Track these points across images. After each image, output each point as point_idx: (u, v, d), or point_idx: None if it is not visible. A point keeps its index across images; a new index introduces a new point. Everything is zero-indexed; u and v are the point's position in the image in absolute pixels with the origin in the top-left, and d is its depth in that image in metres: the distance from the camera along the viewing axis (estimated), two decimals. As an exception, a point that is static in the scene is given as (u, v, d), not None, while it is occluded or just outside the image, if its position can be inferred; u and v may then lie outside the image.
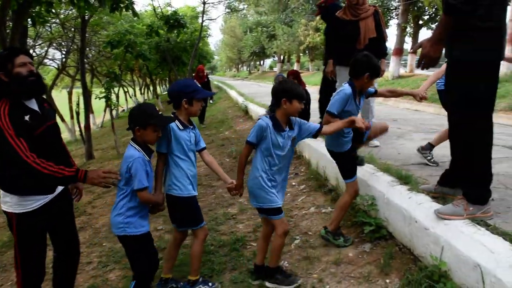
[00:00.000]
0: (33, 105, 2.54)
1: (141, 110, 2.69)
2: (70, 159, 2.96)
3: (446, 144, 2.87)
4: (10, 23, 7.74)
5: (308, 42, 29.34)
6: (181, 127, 2.85)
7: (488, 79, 2.51)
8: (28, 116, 2.44)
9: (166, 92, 36.60)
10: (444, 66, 3.37)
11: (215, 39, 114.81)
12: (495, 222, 2.56)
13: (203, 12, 16.82)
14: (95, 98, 11.85)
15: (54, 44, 18.88)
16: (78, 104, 15.22)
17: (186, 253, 3.45)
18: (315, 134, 2.95)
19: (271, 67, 57.32)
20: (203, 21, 17.14)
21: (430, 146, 4.25)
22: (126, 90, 34.51)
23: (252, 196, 2.94)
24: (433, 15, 19.67)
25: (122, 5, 6.59)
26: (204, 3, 16.25)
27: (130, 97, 35.72)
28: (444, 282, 2.42)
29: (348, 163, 3.38)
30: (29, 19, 6.84)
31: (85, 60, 14.01)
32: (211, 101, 18.80)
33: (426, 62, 2.64)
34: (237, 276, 3.15)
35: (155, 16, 17.16)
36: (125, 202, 2.63)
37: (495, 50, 2.49)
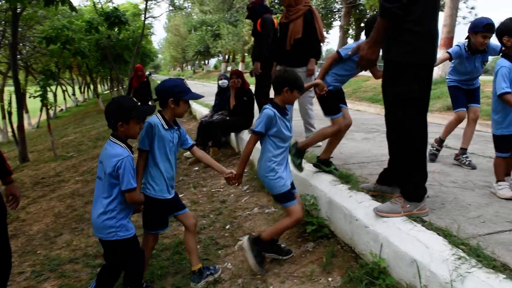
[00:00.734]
0: None
1: (119, 104, 2.58)
2: (6, 164, 2.76)
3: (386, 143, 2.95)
4: None
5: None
6: (166, 126, 2.80)
7: (422, 81, 2.61)
8: None
9: (107, 91, 35.47)
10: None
11: (158, 37, 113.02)
12: (430, 218, 2.66)
13: (146, 9, 16.45)
14: (29, 97, 11.21)
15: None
16: (10, 103, 14.33)
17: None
18: None
19: (216, 67, 57.00)
20: (145, 18, 16.77)
21: (462, 151, 4.38)
22: (64, 88, 33.05)
23: (266, 186, 3.09)
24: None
25: (57, -1, 6.27)
26: (146, 0, 15.89)
27: (69, 96, 34.25)
28: (383, 278, 2.48)
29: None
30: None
31: (18, 56, 13.23)
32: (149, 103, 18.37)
33: (363, 64, 2.72)
34: (179, 280, 3.07)
35: (95, 12, 16.55)
36: (117, 204, 2.52)
37: (428, 53, 2.60)
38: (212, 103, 7.38)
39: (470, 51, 4.09)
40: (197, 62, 61.71)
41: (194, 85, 27.19)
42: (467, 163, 4.18)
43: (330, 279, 2.81)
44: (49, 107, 11.30)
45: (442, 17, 11.78)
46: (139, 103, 2.69)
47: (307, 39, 4.90)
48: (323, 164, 3.73)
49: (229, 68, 38.49)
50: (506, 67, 3.15)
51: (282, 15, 5.13)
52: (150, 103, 17.46)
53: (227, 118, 6.47)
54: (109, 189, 2.51)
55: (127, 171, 2.45)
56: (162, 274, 3.17)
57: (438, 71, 11.15)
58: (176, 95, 2.79)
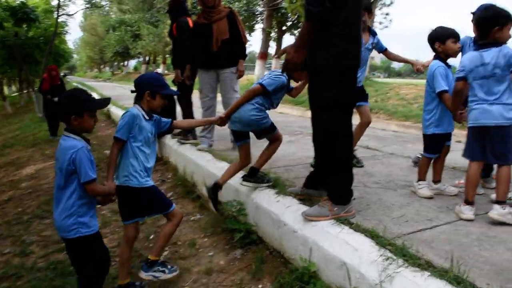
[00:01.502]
0: None
1: (73, 97, 2.49)
2: None
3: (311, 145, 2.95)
4: None
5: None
6: (146, 117, 2.82)
7: (349, 84, 2.65)
8: None
9: (16, 94, 32.91)
10: None
11: (74, 36, 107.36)
12: (357, 220, 2.69)
13: (59, 6, 15.48)
14: None
15: None
16: None
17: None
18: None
19: (136, 68, 55.20)
20: (58, 16, 15.76)
21: None
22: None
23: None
24: (296, 21, 20.83)
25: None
26: (59, -4, 14.96)
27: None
28: (314, 282, 2.46)
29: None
30: None
31: None
32: None
33: (289, 67, 2.69)
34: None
35: (-1, 6, 15.25)
36: (75, 200, 2.39)
37: (354, 57, 2.63)
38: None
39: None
40: (115, 63, 59.44)
41: (112, 88, 26.27)
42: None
43: (260, 286, 2.75)
44: None
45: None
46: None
47: (233, 40, 4.84)
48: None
49: (150, 69, 37.50)
50: (442, 66, 3.27)
51: (200, 16, 4.96)
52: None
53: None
54: (66, 185, 2.38)
55: (83, 163, 2.33)
56: None
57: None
58: (153, 88, 2.82)
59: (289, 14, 19.34)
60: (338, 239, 2.46)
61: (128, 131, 2.73)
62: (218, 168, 4.04)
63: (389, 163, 4.53)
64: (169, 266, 2.96)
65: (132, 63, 57.38)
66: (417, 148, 5.53)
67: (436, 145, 3.38)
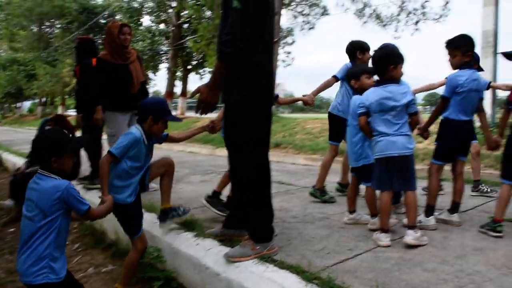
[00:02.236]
0: None
1: (52, 139, 2.40)
2: None
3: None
4: None
5: (75, 83, 27.62)
6: (146, 141, 2.88)
7: (266, 121, 2.66)
8: None
9: None
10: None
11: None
12: (281, 257, 2.64)
13: None
14: None
15: None
16: None
17: None
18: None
19: (31, 110, 51.72)
20: None
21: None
22: None
23: None
24: (201, 60, 21.07)
25: None
26: None
27: None
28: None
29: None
30: None
31: None
32: None
33: (203, 107, 2.63)
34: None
35: None
36: (51, 242, 2.23)
37: (269, 94, 2.66)
38: (27, 151, 6.47)
39: None
40: (6, 105, 55.08)
41: (4, 132, 24.16)
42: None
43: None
44: None
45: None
46: None
47: (144, 81, 4.82)
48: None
49: (47, 111, 35.28)
50: (358, 98, 3.36)
51: (112, 55, 4.73)
52: None
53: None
54: (43, 226, 2.22)
55: (76, 198, 2.30)
56: None
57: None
58: (158, 113, 2.87)
59: (194, 54, 19.55)
60: (264, 278, 2.39)
61: (125, 152, 2.78)
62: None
63: (304, 197, 4.60)
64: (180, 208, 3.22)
65: (27, 104, 53.68)
66: (329, 180, 5.73)
67: (369, 173, 3.42)
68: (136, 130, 2.87)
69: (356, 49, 4.36)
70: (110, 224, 4.07)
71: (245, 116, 2.59)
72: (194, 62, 22.39)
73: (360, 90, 3.48)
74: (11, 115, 50.63)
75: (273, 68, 2.87)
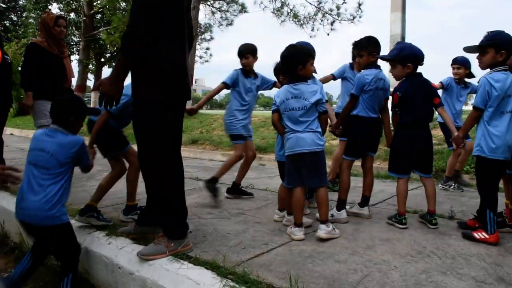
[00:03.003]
0: None
1: (78, 103, 2.84)
2: None
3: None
4: None
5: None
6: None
7: (174, 117, 2.61)
8: None
9: None
10: None
11: None
12: (196, 253, 2.61)
13: None
14: None
15: None
16: None
17: None
18: None
19: None
20: None
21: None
22: None
23: None
24: (115, 53, 20.20)
25: None
26: None
27: None
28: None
29: None
30: None
31: None
32: None
33: (106, 100, 2.52)
34: None
35: None
36: (64, 189, 2.58)
37: (176, 90, 2.58)
38: None
39: None
40: None
41: None
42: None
43: None
44: None
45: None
46: None
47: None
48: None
49: None
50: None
51: (50, 45, 4.56)
52: None
53: None
54: (58, 176, 2.55)
55: (86, 154, 2.73)
56: None
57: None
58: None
59: (107, 46, 18.71)
60: (179, 275, 2.34)
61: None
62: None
63: (221, 193, 4.58)
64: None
65: None
66: (246, 177, 5.77)
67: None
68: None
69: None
70: (13, 226, 3.76)
71: (153, 113, 2.52)
72: (108, 55, 21.42)
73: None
74: None
75: (190, 64, 2.83)
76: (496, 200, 2.99)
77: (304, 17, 14.41)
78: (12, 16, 28.07)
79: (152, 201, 2.86)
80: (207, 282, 2.23)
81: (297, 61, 3.07)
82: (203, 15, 20.89)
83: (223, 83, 4.38)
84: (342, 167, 3.65)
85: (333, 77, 4.71)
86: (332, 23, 13.82)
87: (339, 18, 13.59)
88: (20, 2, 23.16)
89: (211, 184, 4.14)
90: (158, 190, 2.64)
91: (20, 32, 21.25)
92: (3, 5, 24.83)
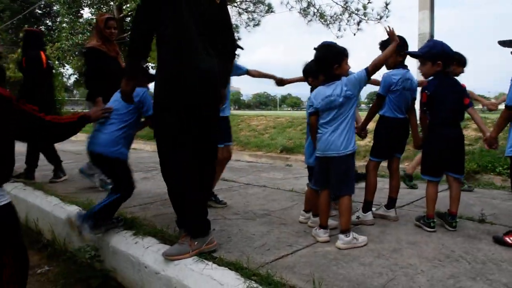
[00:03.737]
0: None
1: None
2: None
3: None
4: None
5: (9, 76, 26.06)
6: None
7: (173, 118, 2.61)
8: None
9: None
10: None
11: None
12: (220, 254, 2.62)
13: None
14: None
15: None
16: None
17: None
18: None
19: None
20: None
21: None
22: None
23: None
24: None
25: None
26: None
27: None
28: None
29: None
30: None
31: None
32: None
33: (122, 96, 2.81)
34: None
35: None
36: (127, 129, 3.21)
37: (173, 94, 2.59)
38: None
39: None
40: None
41: None
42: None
43: None
44: None
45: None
46: None
47: None
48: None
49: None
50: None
51: (106, 46, 4.61)
52: None
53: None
54: (126, 118, 3.21)
55: (150, 103, 3.18)
56: None
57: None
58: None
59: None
60: (203, 275, 2.36)
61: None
62: (67, 212, 3.62)
63: (246, 194, 4.61)
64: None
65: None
66: (271, 177, 5.79)
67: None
68: None
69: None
70: (46, 223, 3.89)
71: (153, 115, 2.73)
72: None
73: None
74: None
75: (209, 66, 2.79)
76: None
77: (331, 17, 14.28)
78: (47, 21, 28.98)
79: (173, 200, 2.83)
80: (231, 283, 2.24)
81: (333, 61, 2.99)
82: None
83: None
84: (368, 169, 3.59)
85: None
86: (358, 23, 13.62)
87: (366, 18, 13.37)
88: (55, 8, 23.88)
89: None
90: (177, 189, 2.70)
91: (54, 37, 21.82)
92: (39, 11, 25.67)
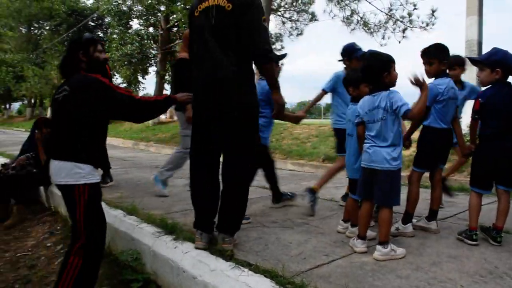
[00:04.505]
0: None
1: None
2: None
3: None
4: None
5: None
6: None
7: (193, 127, 3.10)
8: None
9: None
10: None
11: None
12: (257, 261, 2.66)
13: None
14: None
15: None
16: None
17: None
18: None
19: (20, 112, 51.22)
20: None
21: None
22: None
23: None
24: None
25: None
26: None
27: None
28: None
29: None
30: None
31: None
32: None
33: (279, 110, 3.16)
34: None
35: None
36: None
37: (194, 104, 3.08)
38: (16, 153, 6.42)
39: None
40: (-5, 106, 54.57)
41: (-9, 133, 23.93)
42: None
43: None
44: None
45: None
46: None
47: None
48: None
49: (36, 113, 34.97)
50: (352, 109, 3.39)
51: (184, 52, 4.69)
52: None
53: (34, 170, 5.61)
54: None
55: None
56: None
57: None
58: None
59: (183, 58, 19.46)
60: (238, 282, 2.40)
61: None
62: (111, 216, 3.78)
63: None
64: None
65: (16, 105, 53.21)
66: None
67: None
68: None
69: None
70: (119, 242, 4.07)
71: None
72: (183, 66, 22.32)
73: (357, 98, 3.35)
74: None
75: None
76: None
77: (375, 25, 14.07)
78: (99, 33, 30.31)
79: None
80: (265, 290, 2.27)
81: (382, 69, 2.94)
82: (274, 25, 21.13)
83: (323, 90, 4.52)
84: (411, 180, 3.52)
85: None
86: (403, 31, 13.35)
87: (411, 25, 13.07)
88: (106, 20, 25.01)
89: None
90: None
91: (106, 47, 22.84)
92: (92, 23, 26.94)
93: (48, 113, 31.37)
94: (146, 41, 21.01)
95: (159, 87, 18.90)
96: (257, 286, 2.32)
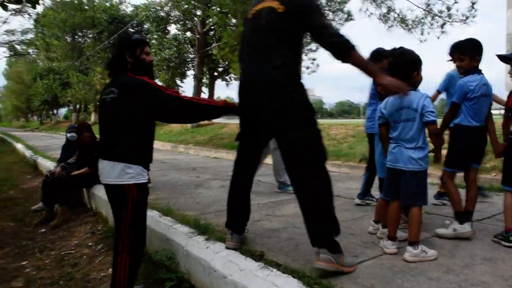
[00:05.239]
0: None
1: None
2: None
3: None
4: None
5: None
6: None
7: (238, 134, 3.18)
8: None
9: None
10: None
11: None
12: (286, 262, 2.70)
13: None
14: None
15: None
16: None
17: None
18: None
19: (66, 117, 53.39)
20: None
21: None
22: None
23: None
24: (226, 67, 21.27)
25: None
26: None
27: None
28: (245, 328, 2.41)
29: None
30: None
31: None
32: None
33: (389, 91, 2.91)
34: None
35: None
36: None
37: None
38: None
39: None
40: (44, 112, 57.14)
41: (41, 137, 25.09)
42: None
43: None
44: None
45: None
46: None
47: None
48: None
49: (81, 118, 36.34)
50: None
51: None
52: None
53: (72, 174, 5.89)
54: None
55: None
56: None
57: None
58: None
59: (219, 61, 19.76)
60: (267, 282, 2.45)
61: None
62: (147, 217, 3.90)
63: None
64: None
65: (62, 111, 55.51)
66: (347, 187, 5.75)
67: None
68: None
69: None
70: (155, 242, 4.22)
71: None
72: (221, 69, 22.67)
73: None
74: (48, 121, 52.46)
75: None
76: None
77: (412, 21, 13.71)
78: (139, 39, 31.19)
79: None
80: (293, 290, 2.31)
81: (414, 67, 2.90)
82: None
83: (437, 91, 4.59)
84: (444, 180, 3.46)
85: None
86: (442, 26, 12.93)
87: (450, 20, 12.65)
88: (145, 26, 25.73)
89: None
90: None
91: (145, 52, 23.50)
92: (132, 30, 27.76)
93: (92, 118, 32.56)
94: (183, 45, 21.43)
95: (197, 90, 19.21)
96: (284, 286, 2.35)
